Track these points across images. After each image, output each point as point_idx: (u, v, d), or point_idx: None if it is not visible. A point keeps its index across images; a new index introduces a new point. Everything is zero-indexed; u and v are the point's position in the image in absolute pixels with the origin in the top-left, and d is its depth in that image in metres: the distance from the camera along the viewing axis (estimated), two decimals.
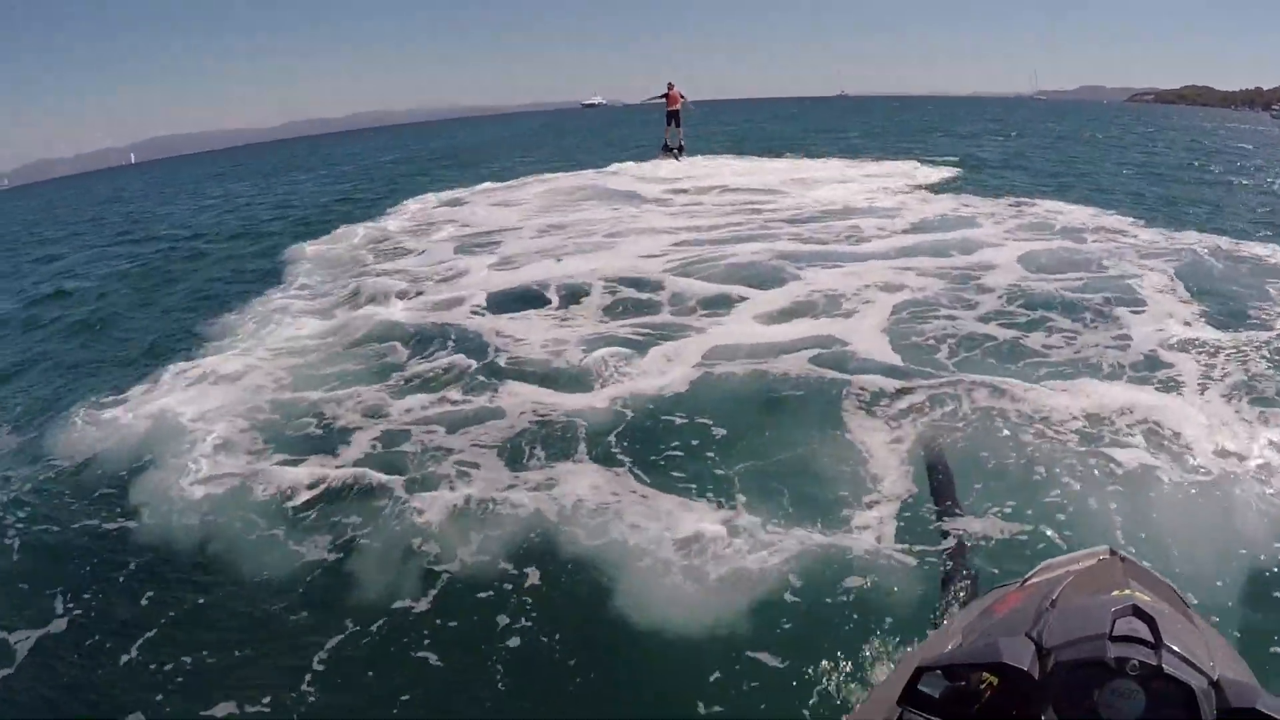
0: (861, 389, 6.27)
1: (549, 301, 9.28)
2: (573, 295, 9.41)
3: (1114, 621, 1.32)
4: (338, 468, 5.54)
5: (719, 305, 8.73)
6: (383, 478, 5.32)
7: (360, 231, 15.39)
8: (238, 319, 9.88)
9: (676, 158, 24.06)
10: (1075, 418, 5.61)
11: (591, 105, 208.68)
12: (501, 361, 7.46)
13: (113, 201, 39.84)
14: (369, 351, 8.10)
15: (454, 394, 6.80)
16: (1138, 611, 1.33)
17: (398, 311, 9.28)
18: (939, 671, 1.42)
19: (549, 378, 7.01)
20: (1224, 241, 11.04)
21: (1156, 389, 6.12)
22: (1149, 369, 6.59)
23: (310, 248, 14.30)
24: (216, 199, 30.85)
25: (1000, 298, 8.70)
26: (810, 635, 3.66)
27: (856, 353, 7.13)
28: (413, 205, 18.97)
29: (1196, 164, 24.76)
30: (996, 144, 32.32)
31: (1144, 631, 1.30)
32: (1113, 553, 1.94)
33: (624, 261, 10.81)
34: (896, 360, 6.95)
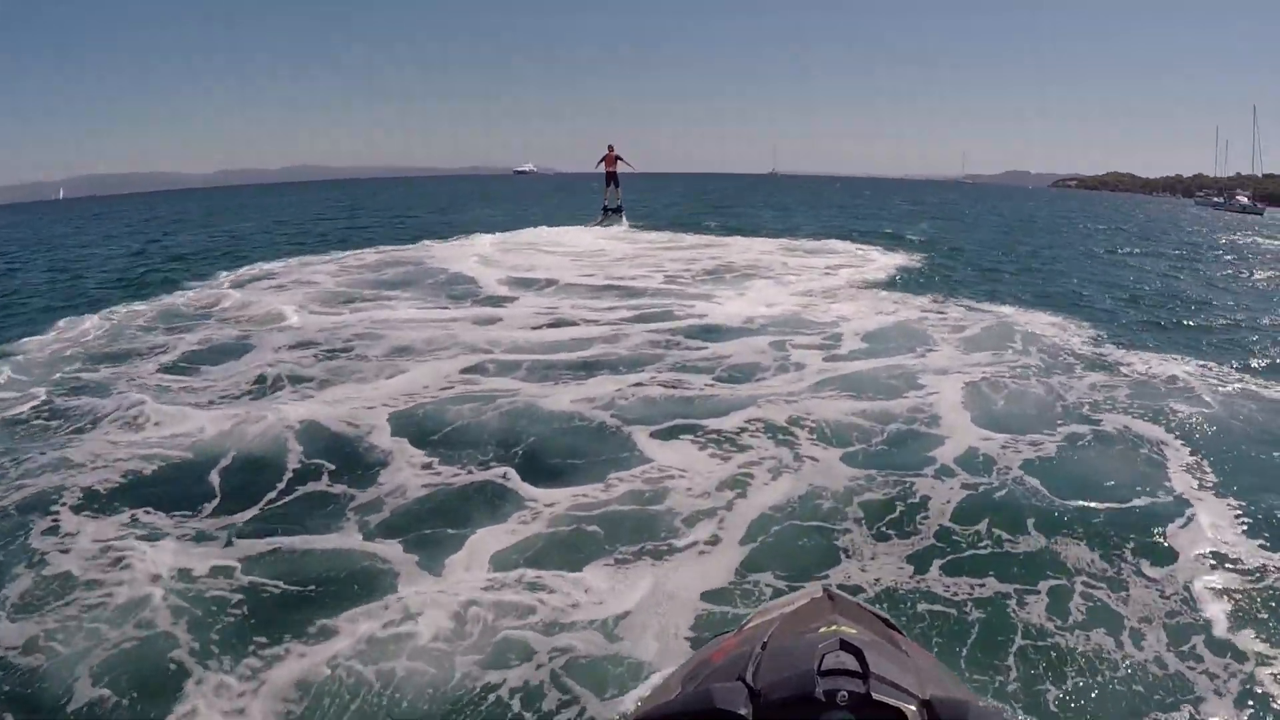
0: None
1: (191, 505, 5.19)
2: (243, 481, 5.50)
3: (821, 657, 1.34)
4: None
5: (460, 517, 4.81)
6: None
7: (94, 321, 11.20)
8: None
9: (606, 220, 24.36)
10: None
11: (523, 172, 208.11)
12: None
13: None
14: None
15: None
16: (845, 645, 1.36)
17: None
18: None
19: None
20: (1223, 371, 8.58)
21: None
22: None
23: (31, 342, 10.03)
24: (67, 257, 24.94)
25: (946, 503, 5.07)
26: None
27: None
28: (234, 275, 15.12)
29: (1147, 251, 22.44)
30: (938, 228, 29.85)
31: (851, 663, 1.32)
32: (825, 591, 1.95)
33: (365, 403, 6.87)
34: None
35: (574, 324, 9.98)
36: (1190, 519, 4.90)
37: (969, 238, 26.40)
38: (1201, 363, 8.79)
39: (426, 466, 5.48)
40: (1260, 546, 4.58)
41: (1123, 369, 8.32)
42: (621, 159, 23.69)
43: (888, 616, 1.90)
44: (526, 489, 5.10)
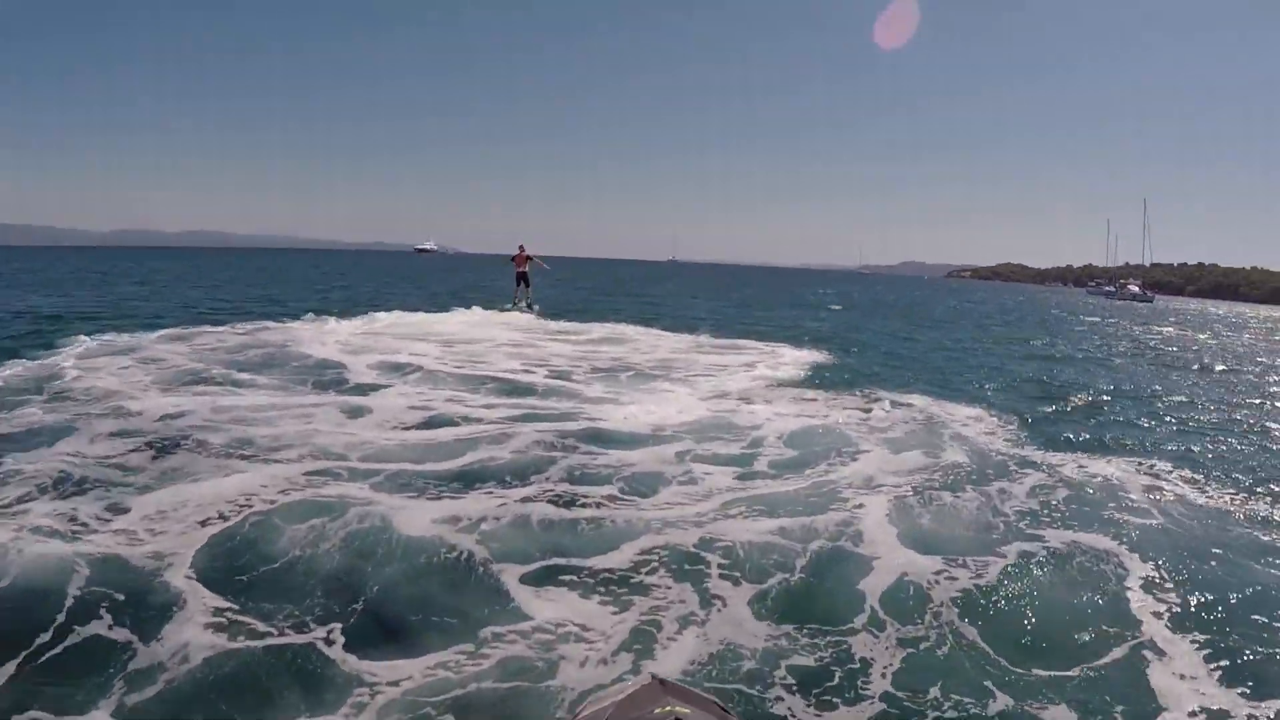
0: None
1: None
2: (9, 616, 4.14)
3: None
4: None
5: (257, 703, 3.51)
6: None
7: None
8: None
9: (515, 309, 23.57)
10: None
11: (424, 250, 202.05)
12: None
13: None
14: None
15: None
16: None
17: None
18: None
19: None
20: (1151, 466, 8.43)
21: None
22: None
23: None
24: None
25: (887, 667, 4.07)
26: None
27: None
28: (86, 346, 13.25)
29: (1046, 340, 22.95)
30: (842, 320, 30.13)
31: None
32: (654, 678, 2.02)
33: (180, 515, 5.47)
34: None
35: (454, 423, 8.62)
36: (1160, 662, 4.25)
37: (875, 328, 26.64)
38: (1129, 460, 8.57)
39: (222, 616, 4.12)
40: (1241, 695, 3.95)
41: (1056, 469, 7.90)
42: (532, 258, 23.80)
43: (718, 701, 1.93)
44: (353, 662, 3.78)
